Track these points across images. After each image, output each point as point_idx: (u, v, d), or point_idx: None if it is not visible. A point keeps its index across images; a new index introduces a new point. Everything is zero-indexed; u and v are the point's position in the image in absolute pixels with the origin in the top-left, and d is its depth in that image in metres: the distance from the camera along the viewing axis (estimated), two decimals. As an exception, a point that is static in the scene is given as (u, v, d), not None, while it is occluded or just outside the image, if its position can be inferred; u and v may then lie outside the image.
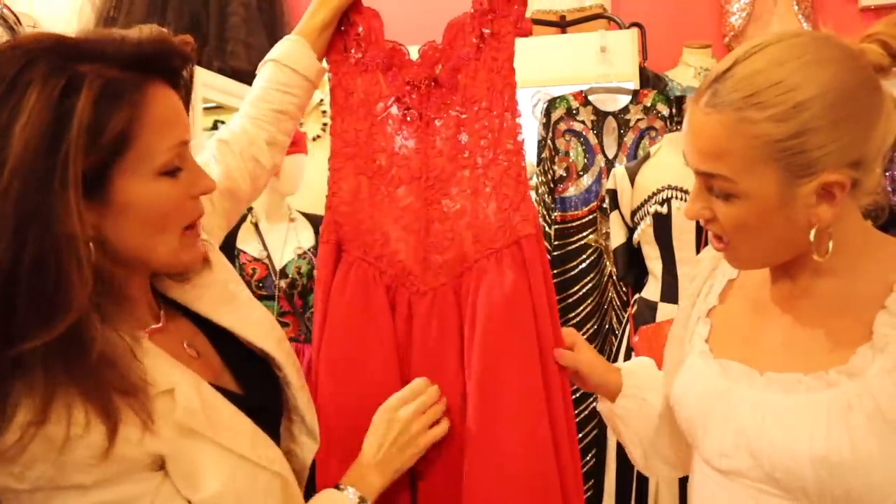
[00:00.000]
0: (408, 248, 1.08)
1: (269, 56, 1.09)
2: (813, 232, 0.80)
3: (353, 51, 1.10)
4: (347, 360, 1.06)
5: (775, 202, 0.79)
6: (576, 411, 2.30)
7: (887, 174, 2.20)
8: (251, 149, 1.07)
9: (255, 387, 0.91)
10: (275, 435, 0.91)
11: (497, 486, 0.99)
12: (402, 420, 0.98)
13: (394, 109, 1.10)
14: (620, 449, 1.96)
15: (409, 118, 1.09)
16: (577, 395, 2.32)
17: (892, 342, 0.77)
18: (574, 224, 2.37)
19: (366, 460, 0.97)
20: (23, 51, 0.69)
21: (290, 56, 1.07)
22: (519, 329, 1.01)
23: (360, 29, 1.10)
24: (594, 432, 2.26)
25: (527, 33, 1.09)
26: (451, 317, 1.05)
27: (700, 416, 0.90)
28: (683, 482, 1.82)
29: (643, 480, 2.01)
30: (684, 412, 0.94)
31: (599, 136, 2.38)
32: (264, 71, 1.10)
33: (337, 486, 0.94)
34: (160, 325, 0.85)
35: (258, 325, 0.94)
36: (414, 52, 1.11)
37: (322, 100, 2.83)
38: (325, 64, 1.14)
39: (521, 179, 1.06)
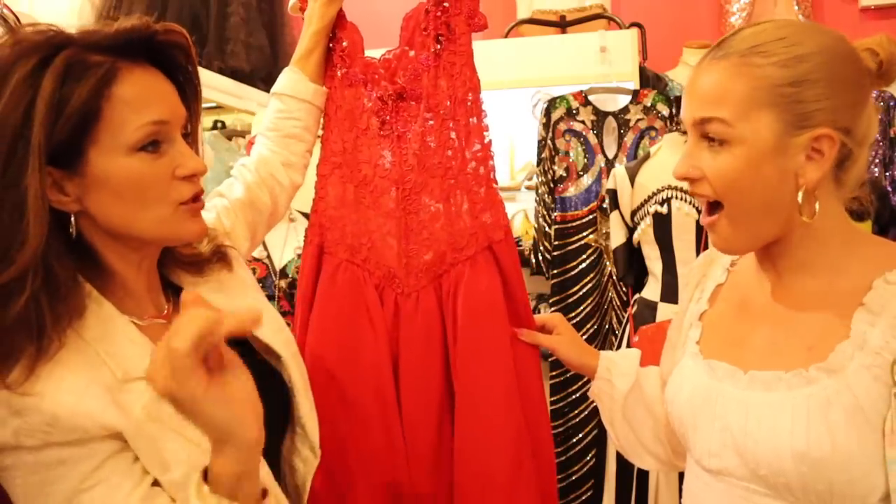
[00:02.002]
0: (392, 253, 1.13)
1: (271, 91, 1.20)
2: (801, 194, 0.82)
3: (339, 66, 1.17)
4: (340, 358, 1.08)
5: (769, 150, 0.81)
6: (576, 411, 2.32)
7: (887, 174, 2.20)
8: (267, 167, 1.16)
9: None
10: (272, 445, 0.91)
11: (480, 464, 1.05)
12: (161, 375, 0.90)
13: (374, 122, 1.15)
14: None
15: (384, 132, 1.15)
16: (578, 395, 2.32)
17: (871, 339, 0.78)
18: (574, 224, 2.37)
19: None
20: (23, 44, 0.76)
21: (284, 86, 1.18)
22: (494, 327, 1.09)
23: (345, 43, 1.16)
24: (594, 432, 2.26)
25: (482, 27, 1.09)
26: (434, 316, 1.11)
27: (690, 416, 0.91)
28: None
29: (643, 480, 2.01)
30: (676, 412, 0.95)
31: (599, 136, 2.38)
32: (269, 105, 1.20)
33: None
34: (163, 316, 0.88)
35: (267, 324, 0.96)
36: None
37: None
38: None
39: (491, 180, 1.10)
